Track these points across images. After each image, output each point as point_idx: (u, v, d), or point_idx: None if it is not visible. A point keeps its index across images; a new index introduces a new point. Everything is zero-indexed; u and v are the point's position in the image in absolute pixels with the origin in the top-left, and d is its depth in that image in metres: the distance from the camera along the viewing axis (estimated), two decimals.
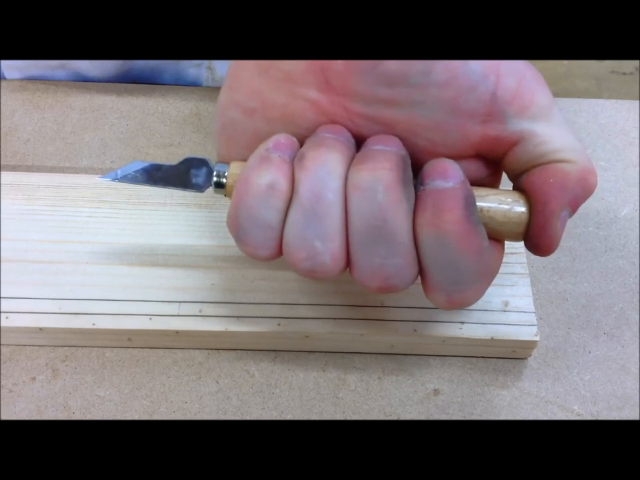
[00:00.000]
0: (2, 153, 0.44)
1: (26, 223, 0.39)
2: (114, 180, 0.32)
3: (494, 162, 0.30)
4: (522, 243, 0.40)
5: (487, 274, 0.29)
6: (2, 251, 0.37)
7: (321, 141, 0.29)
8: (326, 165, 0.28)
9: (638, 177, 0.45)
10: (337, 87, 0.29)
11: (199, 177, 0.32)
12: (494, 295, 0.37)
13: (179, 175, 0.32)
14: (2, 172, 0.41)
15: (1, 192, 0.40)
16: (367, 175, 0.27)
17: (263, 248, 0.29)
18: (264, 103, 0.30)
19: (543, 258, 0.41)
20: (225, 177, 0.31)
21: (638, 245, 0.42)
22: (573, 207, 0.29)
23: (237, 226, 0.29)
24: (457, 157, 0.29)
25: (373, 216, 0.27)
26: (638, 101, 0.49)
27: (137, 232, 0.39)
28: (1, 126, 0.46)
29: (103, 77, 0.49)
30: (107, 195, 0.40)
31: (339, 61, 0.28)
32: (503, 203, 0.29)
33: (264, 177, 0.28)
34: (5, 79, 0.49)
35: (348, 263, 0.29)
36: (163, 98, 0.48)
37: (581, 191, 0.29)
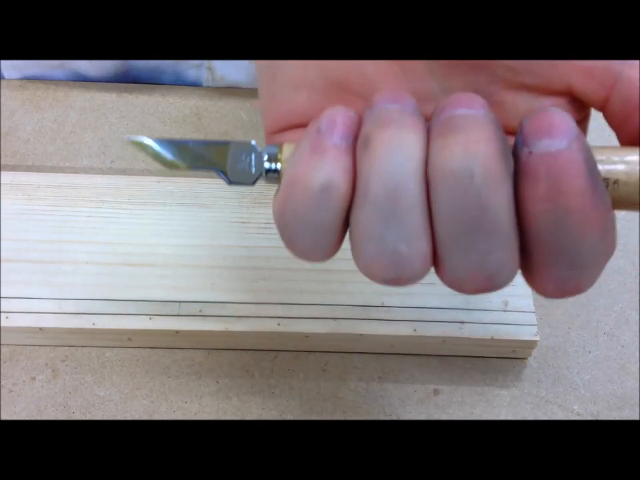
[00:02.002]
0: (2, 152, 0.44)
1: (26, 223, 0.39)
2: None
3: (584, 108, 0.25)
4: None
5: (609, 253, 0.23)
6: (2, 251, 0.37)
7: (387, 116, 0.22)
8: (401, 149, 0.22)
9: None
10: None
11: (246, 165, 0.26)
12: (494, 294, 0.37)
13: (219, 159, 0.26)
14: (2, 172, 0.41)
15: (1, 192, 0.40)
16: (458, 153, 0.21)
17: (318, 255, 0.24)
18: None
19: None
20: (279, 161, 0.25)
21: (638, 245, 0.42)
22: None
23: (284, 228, 0.24)
24: (544, 93, 0.24)
25: (470, 204, 0.21)
26: None
27: (137, 232, 0.39)
28: (1, 126, 0.46)
29: (102, 78, 0.49)
30: (107, 195, 0.40)
31: None
32: (630, 168, 0.23)
33: (315, 176, 0.22)
34: (3, 78, 0.49)
35: (437, 263, 0.23)
36: (163, 98, 0.48)
37: None
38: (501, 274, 0.23)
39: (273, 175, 0.25)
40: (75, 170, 0.44)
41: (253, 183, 0.26)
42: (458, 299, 0.37)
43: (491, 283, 0.23)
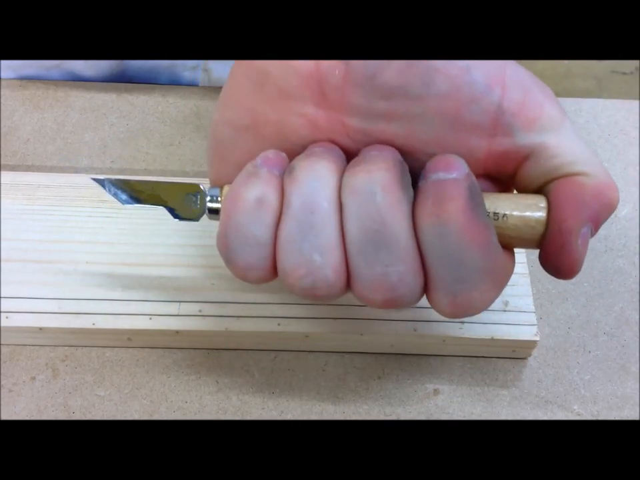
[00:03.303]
0: (2, 152, 0.44)
1: (26, 223, 0.39)
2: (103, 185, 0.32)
3: (503, 182, 0.29)
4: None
5: (495, 275, 0.27)
6: (2, 251, 0.37)
7: (310, 152, 0.28)
8: (317, 173, 0.27)
9: (638, 177, 0.45)
10: (334, 101, 0.28)
11: (193, 203, 0.31)
12: None
13: (172, 200, 0.31)
14: (2, 172, 0.41)
15: (1, 192, 0.40)
16: (363, 177, 0.26)
17: (255, 268, 0.28)
18: (256, 120, 0.29)
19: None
20: (219, 202, 0.30)
21: (638, 245, 0.42)
22: (595, 224, 0.27)
23: (226, 246, 0.28)
24: None
25: (372, 219, 0.26)
26: (638, 101, 0.49)
27: (137, 231, 0.39)
28: (1, 126, 0.46)
29: (98, 78, 0.49)
30: (107, 195, 0.40)
31: (337, 74, 0.27)
32: (518, 206, 0.28)
33: (251, 191, 0.27)
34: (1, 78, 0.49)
35: (348, 276, 0.27)
36: (163, 98, 0.48)
37: (601, 206, 0.27)
38: (402, 286, 0.27)
39: (214, 212, 0.30)
40: (75, 170, 0.44)
41: (198, 219, 0.31)
42: None
43: (395, 295, 0.27)
